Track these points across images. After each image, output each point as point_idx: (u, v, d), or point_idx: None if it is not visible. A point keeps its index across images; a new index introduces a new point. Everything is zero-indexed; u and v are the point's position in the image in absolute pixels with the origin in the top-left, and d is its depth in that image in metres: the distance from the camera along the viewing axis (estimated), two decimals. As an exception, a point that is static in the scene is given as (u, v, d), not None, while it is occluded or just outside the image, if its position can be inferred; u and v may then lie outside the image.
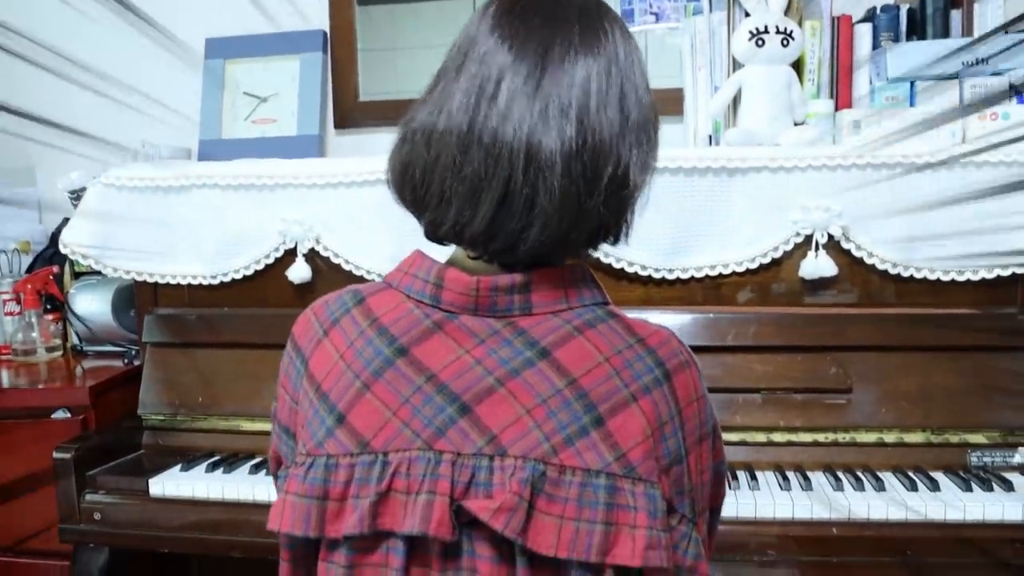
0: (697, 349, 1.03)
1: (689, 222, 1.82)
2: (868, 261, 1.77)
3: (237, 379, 2.07)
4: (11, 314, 2.45)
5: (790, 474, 1.69)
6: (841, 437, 1.75)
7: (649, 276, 1.85)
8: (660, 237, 1.83)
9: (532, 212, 0.85)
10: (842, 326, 1.77)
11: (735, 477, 1.67)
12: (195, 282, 2.10)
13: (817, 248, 1.77)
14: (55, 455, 1.88)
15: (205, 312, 2.13)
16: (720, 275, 1.82)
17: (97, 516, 1.87)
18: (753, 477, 1.67)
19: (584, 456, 0.85)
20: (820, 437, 1.75)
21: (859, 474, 1.68)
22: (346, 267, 2.00)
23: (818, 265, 1.77)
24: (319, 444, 0.91)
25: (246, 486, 1.82)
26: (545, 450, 0.85)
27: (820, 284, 1.81)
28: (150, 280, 2.13)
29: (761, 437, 1.75)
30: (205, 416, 2.06)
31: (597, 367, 0.87)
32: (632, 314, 0.93)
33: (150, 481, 1.86)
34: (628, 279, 1.87)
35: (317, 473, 0.90)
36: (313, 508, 0.89)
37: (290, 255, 2.04)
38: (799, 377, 1.76)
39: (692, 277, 1.83)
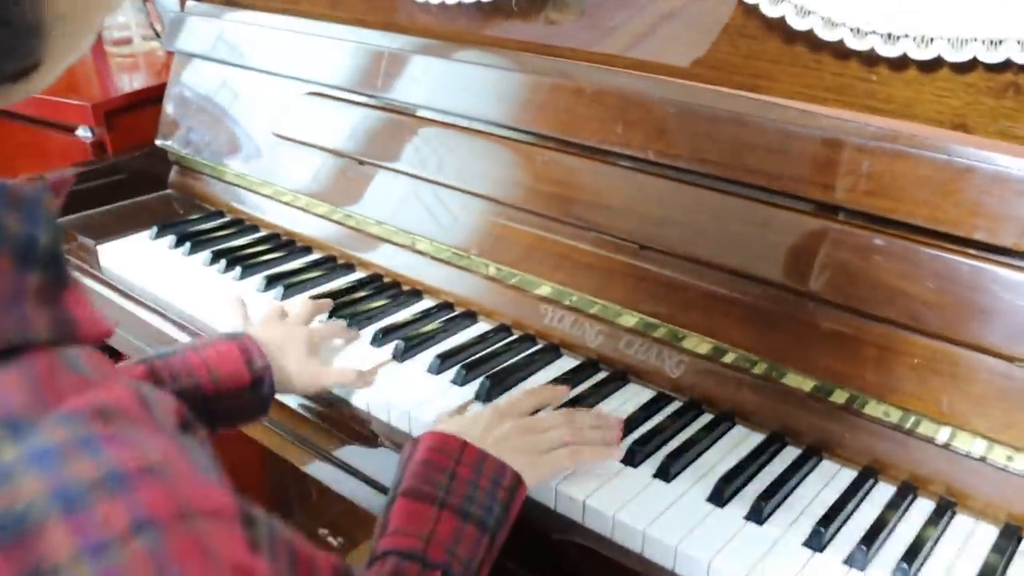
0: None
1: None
2: None
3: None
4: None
5: None
6: None
7: (858, 52, 0.90)
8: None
9: None
10: None
11: None
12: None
13: None
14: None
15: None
16: (1007, 63, 0.83)
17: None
18: None
19: None
20: None
21: None
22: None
23: None
24: None
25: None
26: None
27: None
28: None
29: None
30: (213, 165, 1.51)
31: None
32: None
33: (100, 249, 1.37)
34: (827, 52, 0.94)
35: None
36: None
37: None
38: None
39: (938, 59, 0.86)
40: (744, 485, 0.88)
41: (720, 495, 0.85)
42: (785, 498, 0.86)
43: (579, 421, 0.91)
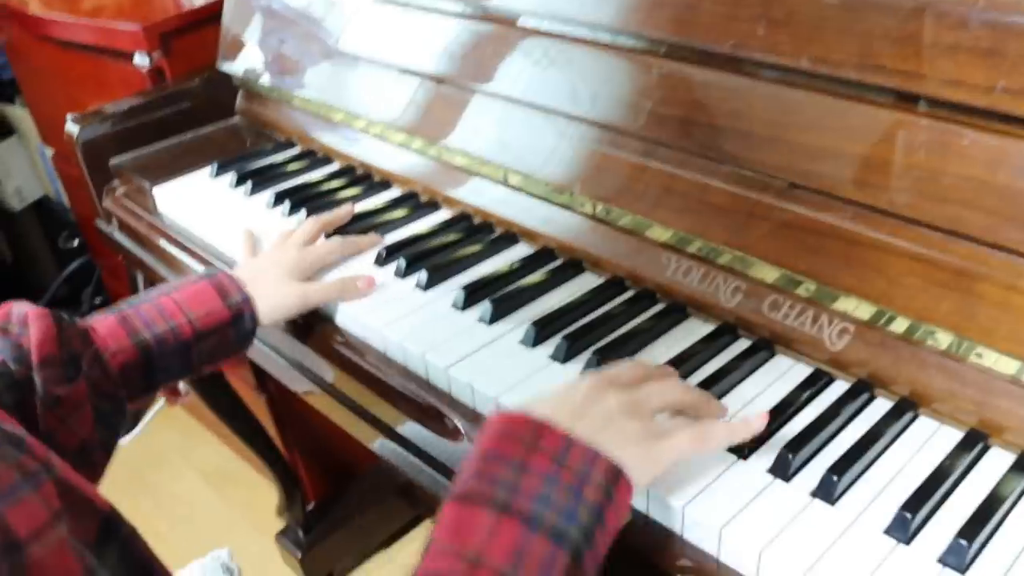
0: None
1: None
2: None
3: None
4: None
5: None
6: None
7: None
8: None
9: None
10: None
11: None
12: None
13: None
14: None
15: None
16: None
17: (114, 223, 1.29)
18: None
19: None
20: None
21: None
22: None
23: None
24: None
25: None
26: None
27: None
28: None
29: None
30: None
31: None
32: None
33: (156, 191, 1.21)
34: None
35: None
36: None
37: None
38: None
39: None
40: (934, 511, 0.66)
41: (904, 526, 0.64)
42: (995, 530, 0.64)
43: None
